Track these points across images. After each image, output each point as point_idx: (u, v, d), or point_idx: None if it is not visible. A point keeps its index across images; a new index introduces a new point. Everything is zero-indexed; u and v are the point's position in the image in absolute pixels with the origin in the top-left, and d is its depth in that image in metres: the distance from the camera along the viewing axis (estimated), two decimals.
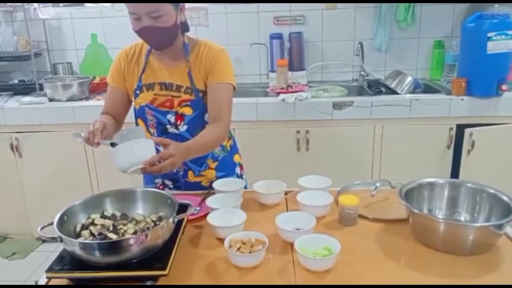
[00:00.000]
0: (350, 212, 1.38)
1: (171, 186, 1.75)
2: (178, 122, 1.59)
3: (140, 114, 1.63)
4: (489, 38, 2.46)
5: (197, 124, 1.59)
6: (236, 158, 1.80)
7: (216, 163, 1.71)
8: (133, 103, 1.67)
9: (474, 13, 2.57)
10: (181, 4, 1.50)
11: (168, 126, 1.60)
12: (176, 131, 1.60)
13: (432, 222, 1.24)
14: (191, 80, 1.56)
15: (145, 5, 1.39)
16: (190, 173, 1.70)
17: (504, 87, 2.54)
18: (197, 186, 1.71)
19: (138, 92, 1.61)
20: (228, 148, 1.76)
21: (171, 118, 1.58)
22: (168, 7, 1.43)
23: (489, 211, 1.31)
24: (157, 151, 1.36)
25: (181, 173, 1.70)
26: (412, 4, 2.99)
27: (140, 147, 1.32)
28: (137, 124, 1.67)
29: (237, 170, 1.80)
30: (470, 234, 1.19)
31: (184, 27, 1.58)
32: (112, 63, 1.65)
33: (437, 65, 3.09)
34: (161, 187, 1.75)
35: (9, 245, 3.00)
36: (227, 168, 1.75)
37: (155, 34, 1.46)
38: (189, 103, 1.57)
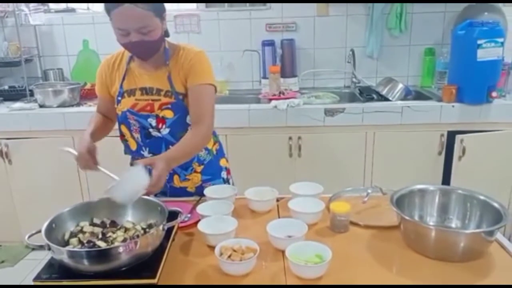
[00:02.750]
0: (341, 219, 1.38)
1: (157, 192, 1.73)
2: (160, 125, 1.59)
3: (123, 120, 1.64)
4: (479, 46, 2.48)
5: (179, 126, 1.59)
6: (222, 162, 1.80)
7: (202, 166, 1.71)
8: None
9: (465, 21, 2.60)
10: (164, 13, 1.51)
11: (150, 130, 1.60)
12: (159, 134, 1.60)
13: (423, 229, 1.24)
14: (171, 84, 1.57)
15: (135, 22, 1.41)
16: (175, 177, 1.69)
17: (494, 94, 2.56)
18: (182, 191, 1.71)
19: (119, 98, 1.62)
20: (214, 152, 1.76)
21: (152, 121, 1.59)
22: (156, 20, 1.45)
23: (480, 218, 1.32)
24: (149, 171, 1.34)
25: (167, 177, 1.68)
26: (403, 11, 3.01)
27: (134, 179, 1.29)
28: (120, 131, 1.68)
29: (223, 174, 1.79)
30: (461, 241, 1.19)
31: (165, 33, 1.60)
32: (97, 75, 1.68)
33: (428, 72, 3.11)
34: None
35: None
36: (213, 172, 1.75)
37: (144, 48, 1.48)
38: (169, 106, 1.57)
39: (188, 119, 1.60)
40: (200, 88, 1.55)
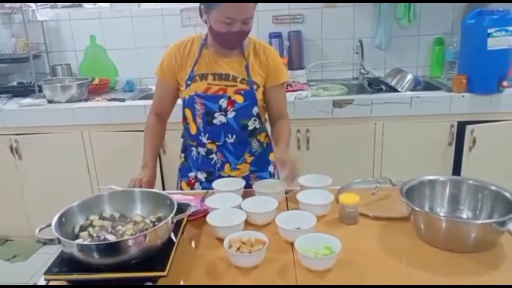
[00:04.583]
0: (350, 210, 1.37)
1: (203, 180, 1.76)
2: (229, 107, 1.62)
3: (188, 104, 1.66)
4: (489, 35, 2.45)
5: (244, 113, 1.65)
6: (271, 156, 1.82)
7: (253, 158, 1.75)
8: (180, 96, 1.72)
9: (474, 10, 2.56)
10: None
11: (216, 115, 1.63)
12: (223, 119, 1.64)
13: (434, 220, 1.23)
14: (248, 73, 1.63)
15: (246, 13, 1.48)
16: (226, 166, 1.72)
17: (504, 83, 2.53)
18: None
19: (189, 82, 1.65)
20: (265, 145, 1.80)
21: (224, 103, 1.62)
22: (254, 12, 1.52)
23: (491, 208, 1.30)
24: None
25: (218, 165, 1.72)
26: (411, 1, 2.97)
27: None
28: (184, 115, 1.70)
29: (271, 168, 1.82)
30: (472, 232, 1.18)
31: None
32: (164, 58, 1.69)
33: (437, 62, 3.07)
34: (193, 181, 1.78)
35: (10, 248, 3.00)
36: (261, 164, 1.78)
37: (239, 38, 1.55)
38: (242, 92, 1.63)
39: (254, 110, 1.65)
40: (282, 87, 1.72)
